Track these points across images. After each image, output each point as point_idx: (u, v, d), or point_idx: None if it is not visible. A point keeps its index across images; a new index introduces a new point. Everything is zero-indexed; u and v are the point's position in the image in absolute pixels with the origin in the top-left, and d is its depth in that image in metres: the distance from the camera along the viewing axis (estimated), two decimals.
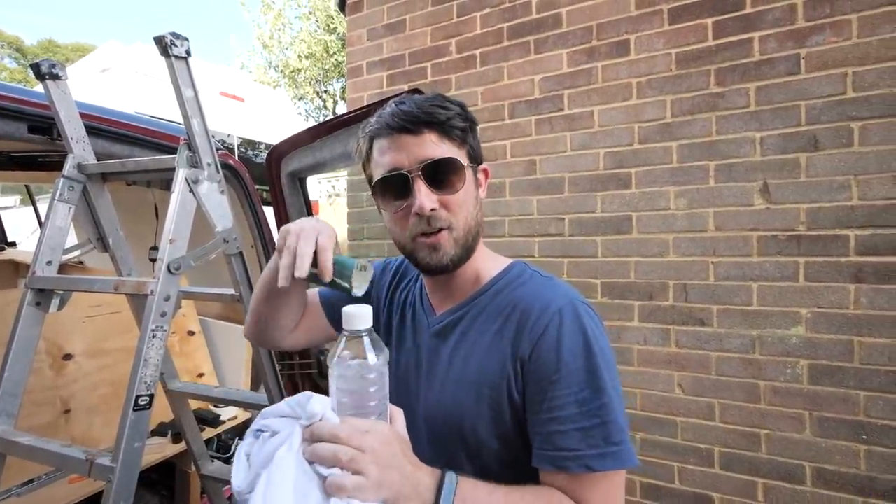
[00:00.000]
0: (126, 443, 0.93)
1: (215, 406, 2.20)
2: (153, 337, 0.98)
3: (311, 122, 11.05)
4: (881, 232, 1.75)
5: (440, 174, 0.74)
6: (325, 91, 12.94)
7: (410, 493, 0.58)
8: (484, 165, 0.84)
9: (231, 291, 1.31)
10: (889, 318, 1.74)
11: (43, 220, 1.26)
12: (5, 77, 20.15)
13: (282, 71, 12.62)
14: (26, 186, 3.76)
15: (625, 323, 2.17)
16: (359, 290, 0.74)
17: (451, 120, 0.76)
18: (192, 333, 2.34)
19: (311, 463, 0.54)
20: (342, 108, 12.29)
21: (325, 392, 0.60)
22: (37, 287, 1.15)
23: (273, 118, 6.90)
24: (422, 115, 0.74)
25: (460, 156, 0.77)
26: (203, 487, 1.81)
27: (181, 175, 1.07)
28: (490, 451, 0.75)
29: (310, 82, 12.45)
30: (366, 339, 0.58)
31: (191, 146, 1.09)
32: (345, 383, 0.57)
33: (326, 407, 0.57)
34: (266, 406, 1.41)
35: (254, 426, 0.61)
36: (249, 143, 6.55)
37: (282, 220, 1.98)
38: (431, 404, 0.79)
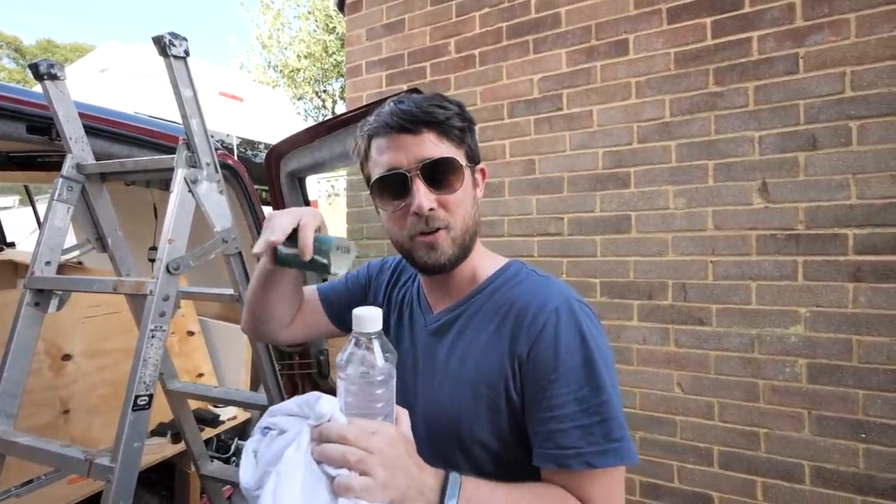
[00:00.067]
0: (125, 443, 0.93)
1: (215, 406, 2.20)
2: (152, 337, 0.98)
3: (311, 122, 11.04)
4: (880, 231, 1.75)
5: (438, 174, 0.75)
6: (325, 91, 12.93)
7: (416, 494, 0.58)
8: (481, 165, 0.84)
9: (230, 291, 1.31)
10: (887, 317, 1.74)
11: (42, 220, 1.26)
12: (4, 77, 20.12)
13: (281, 71, 12.61)
14: (25, 187, 3.76)
15: (624, 322, 2.18)
16: (337, 269, 0.73)
17: (450, 120, 0.76)
18: (191, 333, 2.34)
19: (319, 463, 0.55)
20: (341, 108, 12.28)
21: (325, 392, 0.60)
22: (36, 287, 1.15)
23: (272, 118, 6.89)
24: (420, 115, 0.74)
25: (458, 156, 0.77)
26: (203, 487, 1.81)
27: (180, 175, 1.07)
28: (486, 450, 0.75)
29: (309, 82, 12.44)
30: (375, 342, 0.58)
31: (190, 146, 1.09)
32: (353, 384, 0.58)
33: (335, 408, 0.57)
34: (265, 406, 1.41)
35: (261, 423, 0.62)
36: (248, 143, 6.55)
37: None
38: (429, 403, 0.80)
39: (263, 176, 1.93)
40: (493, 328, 0.77)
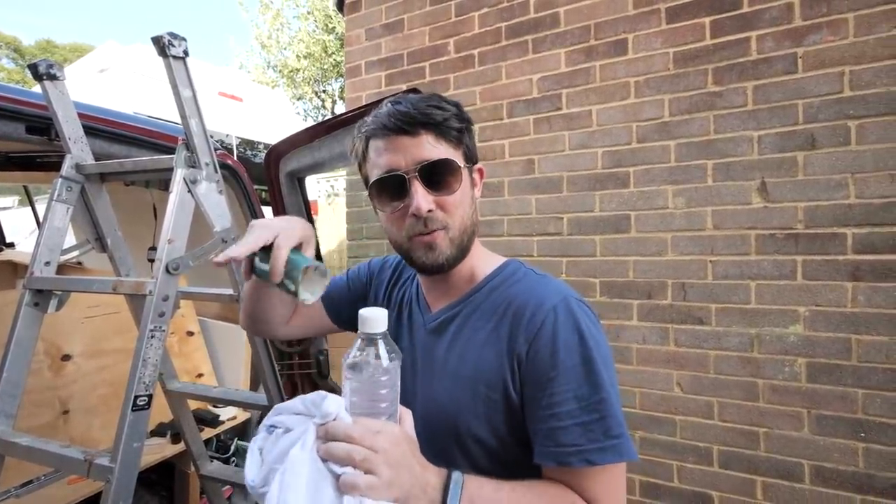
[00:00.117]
0: (125, 443, 0.93)
1: (214, 406, 2.20)
2: (152, 337, 0.98)
3: (310, 122, 11.04)
4: (878, 230, 1.76)
5: (437, 175, 0.75)
6: (324, 91, 12.92)
7: (419, 493, 0.59)
8: (479, 165, 0.85)
9: (230, 292, 1.31)
10: (886, 316, 1.74)
11: (41, 220, 1.26)
12: (3, 77, 20.10)
13: (280, 71, 12.59)
14: (24, 187, 3.75)
15: (623, 322, 2.18)
16: (305, 297, 0.70)
17: (448, 121, 0.76)
18: (190, 334, 2.34)
19: (324, 461, 0.55)
20: (341, 108, 12.28)
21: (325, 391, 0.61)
22: (35, 288, 1.15)
23: (271, 118, 6.89)
24: (418, 116, 0.74)
25: (456, 157, 0.77)
26: (202, 488, 1.81)
27: (179, 175, 1.07)
28: (483, 448, 0.76)
29: (308, 82, 12.42)
30: (380, 342, 0.59)
31: (189, 146, 1.09)
32: (358, 384, 0.58)
33: (340, 407, 0.58)
34: (265, 406, 1.41)
35: (266, 421, 0.63)
36: (248, 143, 6.54)
37: None
38: (427, 401, 0.80)
39: (263, 176, 1.93)
40: (492, 327, 0.77)
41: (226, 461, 2.12)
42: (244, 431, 2.31)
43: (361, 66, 2.87)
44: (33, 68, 1.19)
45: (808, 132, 1.86)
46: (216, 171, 1.13)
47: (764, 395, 1.93)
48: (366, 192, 0.81)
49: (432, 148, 0.75)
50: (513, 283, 0.81)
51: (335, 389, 1.86)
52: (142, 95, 5.26)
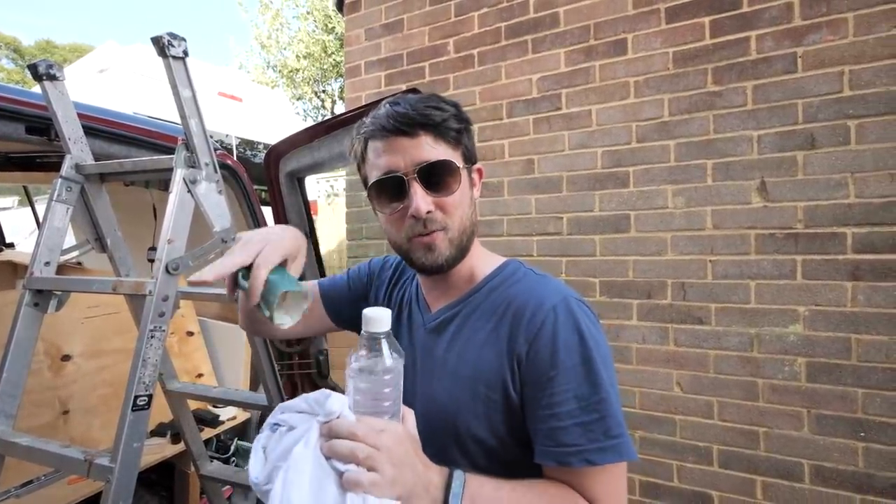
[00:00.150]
0: (125, 443, 0.93)
1: (214, 406, 2.20)
2: (151, 337, 0.98)
3: (310, 122, 11.03)
4: (878, 230, 1.76)
5: (436, 176, 0.75)
6: (324, 91, 12.91)
7: (421, 491, 0.59)
8: (478, 165, 0.85)
9: None
10: (886, 316, 1.74)
11: (41, 220, 1.26)
12: (3, 78, 20.10)
13: (280, 71, 12.59)
14: (24, 187, 3.75)
15: (623, 322, 2.18)
16: (281, 321, 0.68)
17: (447, 122, 0.76)
18: (190, 334, 2.34)
19: (327, 458, 0.56)
20: (340, 108, 12.27)
21: None
22: (35, 288, 1.15)
23: (271, 118, 6.89)
24: (417, 117, 0.74)
25: (455, 157, 0.77)
26: (202, 488, 1.81)
27: (179, 175, 1.07)
28: (482, 448, 0.76)
29: (308, 82, 12.42)
30: (384, 342, 0.59)
31: (188, 146, 1.09)
32: (362, 383, 0.59)
33: (344, 405, 0.58)
34: (265, 406, 1.41)
35: (270, 420, 0.63)
36: (248, 144, 6.54)
37: (280, 220, 1.98)
38: (426, 400, 0.80)
39: (262, 176, 1.93)
40: (492, 327, 0.77)
41: (226, 461, 2.13)
42: (244, 431, 2.31)
43: (361, 66, 2.87)
44: (33, 69, 1.19)
45: (807, 132, 1.86)
46: (216, 172, 1.12)
47: (764, 394, 1.93)
48: (365, 193, 0.81)
49: (431, 149, 0.75)
50: (512, 283, 0.81)
51: (336, 389, 1.85)
52: (141, 95, 5.26)
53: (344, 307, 1.00)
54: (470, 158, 0.81)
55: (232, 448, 2.20)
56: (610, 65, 2.20)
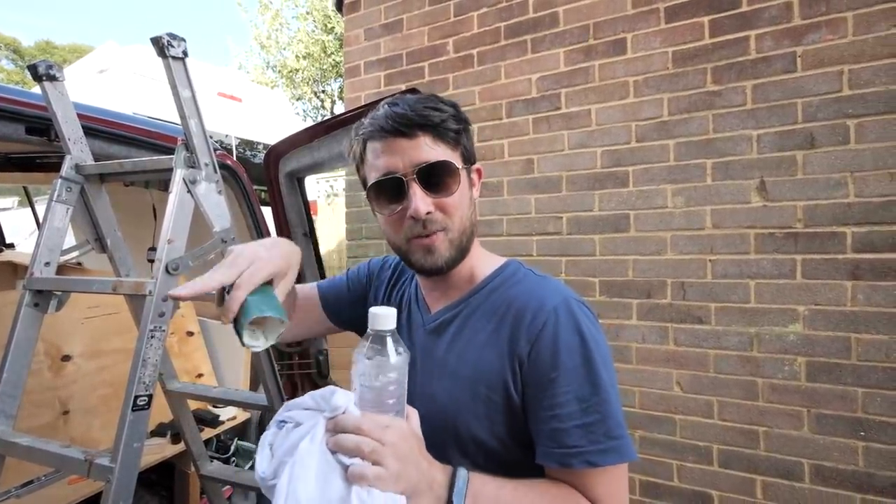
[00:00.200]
0: (125, 443, 0.93)
1: (214, 406, 2.20)
2: (151, 337, 0.98)
3: (309, 122, 11.03)
4: (878, 229, 1.76)
5: (435, 177, 0.74)
6: (323, 91, 12.91)
7: (425, 488, 0.60)
8: (477, 166, 0.84)
9: None
10: (886, 315, 1.75)
11: (41, 221, 1.26)
12: (2, 78, 20.10)
13: (279, 71, 12.59)
14: (24, 188, 3.76)
15: (623, 321, 2.18)
16: (251, 343, 0.64)
17: (446, 122, 0.75)
18: (190, 334, 2.34)
19: (333, 453, 0.57)
20: (340, 108, 12.27)
21: None
22: (35, 288, 1.15)
23: (271, 118, 6.89)
24: (416, 118, 0.74)
25: (454, 158, 0.77)
26: (202, 488, 1.81)
27: (179, 175, 1.07)
28: (482, 449, 0.76)
29: (307, 82, 12.42)
30: (389, 339, 0.60)
31: (188, 147, 1.09)
32: (367, 380, 0.60)
33: (350, 401, 0.59)
34: (265, 406, 1.41)
35: (276, 417, 0.64)
36: (247, 144, 6.54)
37: (280, 220, 1.98)
38: (426, 402, 0.80)
39: (262, 176, 1.93)
40: (492, 328, 0.77)
41: (226, 461, 2.12)
42: (244, 431, 2.31)
43: (360, 67, 2.87)
44: (33, 69, 1.19)
45: (807, 131, 1.86)
46: (215, 172, 1.13)
47: (763, 394, 1.93)
48: (364, 193, 0.81)
49: (430, 150, 0.74)
50: (513, 284, 0.81)
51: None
52: (141, 96, 5.26)
53: (343, 308, 1.00)
54: (469, 159, 0.81)
55: (232, 448, 2.20)
56: (609, 64, 2.20)
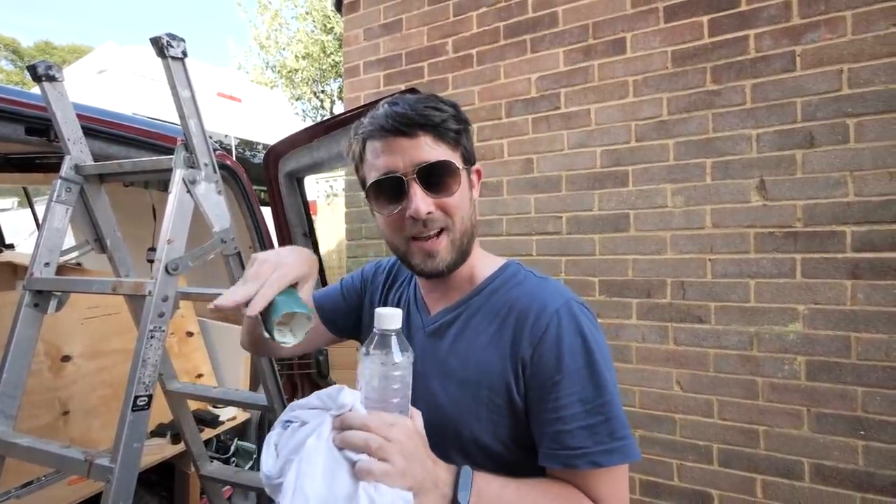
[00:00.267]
0: (125, 443, 0.93)
1: (214, 406, 2.20)
2: (151, 338, 0.98)
3: (309, 123, 11.03)
4: (877, 228, 1.76)
5: (435, 177, 0.74)
6: (323, 91, 12.90)
7: (430, 486, 0.60)
8: (477, 166, 0.84)
9: None
10: (886, 314, 1.75)
11: (40, 221, 1.26)
12: (2, 79, 20.08)
13: (279, 71, 12.58)
14: (24, 188, 3.75)
15: (623, 321, 2.18)
16: (283, 340, 0.68)
17: (446, 122, 0.75)
18: (190, 334, 2.34)
19: (340, 449, 0.58)
20: (339, 108, 12.27)
21: None
22: (35, 289, 1.15)
23: (270, 118, 6.88)
24: (416, 118, 0.73)
25: (455, 158, 0.77)
26: (202, 488, 1.81)
27: (178, 176, 1.07)
28: (484, 452, 0.76)
29: (307, 82, 12.41)
30: (394, 339, 0.61)
31: (188, 147, 1.09)
32: (372, 379, 0.61)
33: (356, 399, 0.60)
34: (265, 406, 1.41)
35: (282, 417, 0.65)
36: (247, 144, 6.54)
37: (279, 220, 1.98)
38: (427, 404, 0.80)
39: (262, 176, 1.93)
40: (494, 330, 0.77)
41: (226, 461, 2.12)
42: (244, 432, 2.31)
43: (360, 67, 2.87)
44: (32, 70, 1.19)
45: (806, 130, 1.86)
46: (215, 172, 1.13)
47: (763, 393, 1.93)
48: (364, 193, 0.81)
49: (430, 149, 0.74)
50: (513, 285, 0.80)
51: None
52: (140, 96, 5.26)
53: (339, 317, 1.00)
54: (469, 159, 0.81)
55: (232, 448, 2.20)
56: (609, 64, 2.20)
